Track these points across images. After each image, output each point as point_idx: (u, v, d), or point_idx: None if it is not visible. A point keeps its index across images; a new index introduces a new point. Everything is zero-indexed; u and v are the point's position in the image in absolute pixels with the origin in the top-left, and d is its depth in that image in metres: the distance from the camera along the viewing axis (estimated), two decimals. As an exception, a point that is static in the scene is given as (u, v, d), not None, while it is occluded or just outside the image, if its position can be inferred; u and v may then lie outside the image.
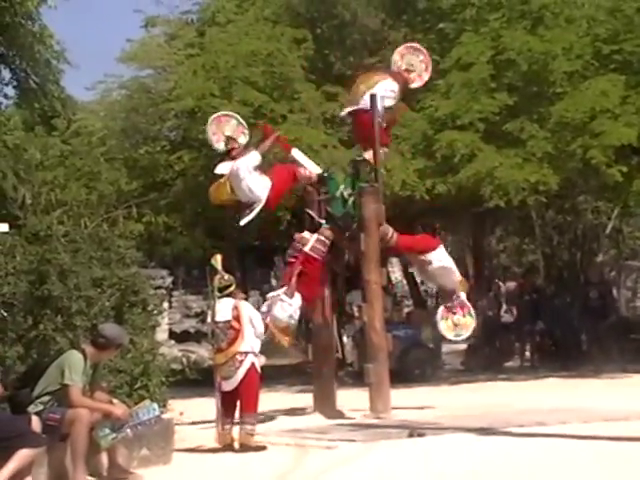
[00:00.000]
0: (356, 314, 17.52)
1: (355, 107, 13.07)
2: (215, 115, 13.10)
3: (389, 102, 13.03)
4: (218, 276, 10.71)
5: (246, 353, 10.24)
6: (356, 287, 14.40)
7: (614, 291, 26.38)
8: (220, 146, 12.69)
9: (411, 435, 10.25)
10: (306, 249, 12.36)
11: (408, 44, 14.13)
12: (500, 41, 17.34)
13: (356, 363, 17.70)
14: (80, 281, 9.19)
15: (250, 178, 12.11)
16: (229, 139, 12.59)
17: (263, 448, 10.01)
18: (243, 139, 12.74)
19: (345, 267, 17.16)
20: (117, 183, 19.00)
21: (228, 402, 10.31)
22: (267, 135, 12.93)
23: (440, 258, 13.21)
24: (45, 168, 20.09)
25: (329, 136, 16.93)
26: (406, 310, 24.19)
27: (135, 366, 9.36)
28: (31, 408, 8.05)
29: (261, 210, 12.38)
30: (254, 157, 12.21)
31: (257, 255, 25.64)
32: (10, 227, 10.58)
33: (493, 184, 16.53)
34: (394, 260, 26.69)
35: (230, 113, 13.21)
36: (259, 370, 10.40)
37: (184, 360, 20.41)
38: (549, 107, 17.20)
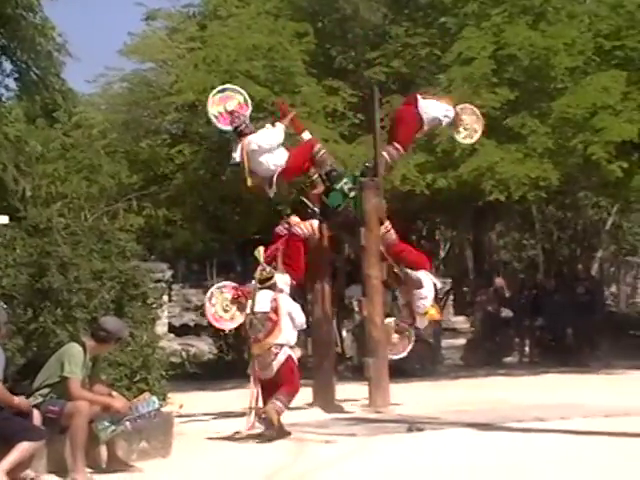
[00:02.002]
0: (356, 308, 17.48)
1: None
2: (216, 90, 12.66)
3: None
4: (260, 267, 10.85)
5: (281, 345, 10.35)
6: (356, 281, 14.34)
7: (613, 287, 26.45)
8: (227, 127, 12.37)
9: (410, 430, 10.28)
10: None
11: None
12: (502, 36, 17.30)
13: (355, 357, 17.70)
14: (80, 274, 9.18)
15: (268, 152, 12.07)
16: (232, 114, 12.28)
17: (288, 434, 10.11)
18: (247, 114, 12.44)
19: (345, 261, 17.22)
20: (118, 176, 18.97)
21: (266, 390, 10.44)
22: (283, 113, 12.92)
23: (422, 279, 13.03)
24: (46, 161, 20.04)
25: (330, 130, 16.90)
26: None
27: (135, 359, 9.36)
28: (31, 400, 8.06)
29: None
30: (277, 131, 12.16)
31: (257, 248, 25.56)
32: (10, 219, 10.57)
33: (494, 179, 16.53)
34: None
35: (235, 89, 12.84)
36: (296, 361, 10.51)
37: (183, 354, 20.41)
38: (550, 102, 17.20)
